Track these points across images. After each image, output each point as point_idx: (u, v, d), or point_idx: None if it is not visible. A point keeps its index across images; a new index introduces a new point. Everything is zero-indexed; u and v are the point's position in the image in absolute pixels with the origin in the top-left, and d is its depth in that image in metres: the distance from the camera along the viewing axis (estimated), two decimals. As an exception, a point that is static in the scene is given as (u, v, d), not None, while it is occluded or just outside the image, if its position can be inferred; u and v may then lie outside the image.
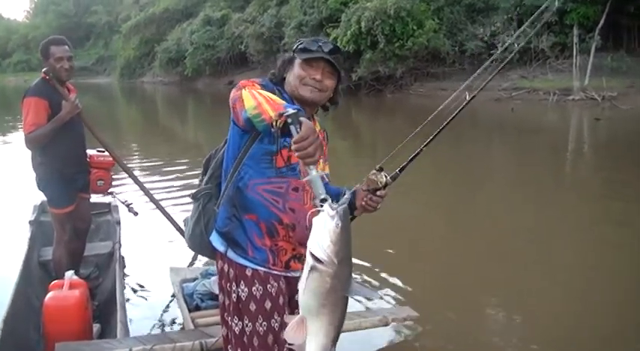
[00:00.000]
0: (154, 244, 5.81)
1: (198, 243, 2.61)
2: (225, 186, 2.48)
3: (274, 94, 2.23)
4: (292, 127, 1.89)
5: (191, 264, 4.88)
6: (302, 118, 1.90)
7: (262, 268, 2.41)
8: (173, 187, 9.17)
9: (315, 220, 1.80)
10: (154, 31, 56.91)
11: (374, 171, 2.53)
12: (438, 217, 7.99)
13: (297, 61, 2.43)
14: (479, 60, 28.68)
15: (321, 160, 2.49)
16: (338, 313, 1.85)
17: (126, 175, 4.82)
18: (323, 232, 1.75)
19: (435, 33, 29.10)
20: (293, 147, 1.85)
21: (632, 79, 23.71)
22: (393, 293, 5.04)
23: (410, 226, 7.27)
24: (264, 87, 2.31)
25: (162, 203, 4.99)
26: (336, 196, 2.52)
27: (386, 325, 3.91)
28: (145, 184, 4.89)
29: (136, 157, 12.96)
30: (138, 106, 35.53)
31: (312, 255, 1.76)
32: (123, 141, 15.54)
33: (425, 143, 2.78)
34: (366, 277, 5.32)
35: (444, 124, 2.87)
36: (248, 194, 2.38)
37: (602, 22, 24.24)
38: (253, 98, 2.08)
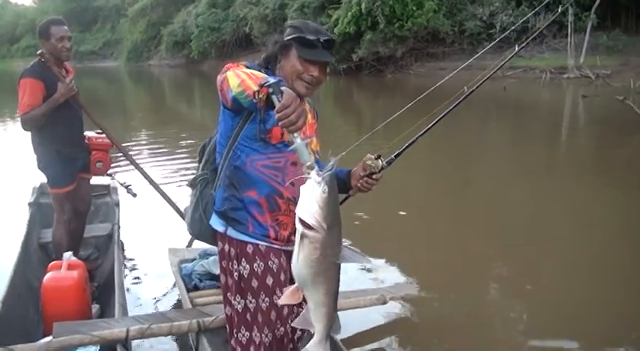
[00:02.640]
0: (153, 226, 5.74)
1: (198, 228, 2.58)
2: (220, 167, 2.45)
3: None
4: (274, 97, 1.86)
5: (190, 245, 4.80)
6: (283, 87, 1.87)
7: (263, 243, 2.39)
8: (175, 168, 9.11)
9: (302, 187, 1.78)
10: (160, 14, 56.74)
11: (371, 156, 2.53)
12: (435, 194, 7.92)
13: (295, 53, 2.34)
14: (478, 40, 28.58)
15: (314, 140, 2.49)
16: (332, 280, 1.84)
17: (122, 157, 4.75)
18: (310, 198, 1.73)
19: (435, 13, 28.96)
20: (276, 116, 1.82)
21: (626, 57, 23.64)
22: (391, 272, 4.98)
23: (407, 204, 7.19)
24: (248, 68, 2.24)
25: (163, 185, 4.93)
26: (336, 175, 2.48)
27: (384, 303, 3.85)
28: (144, 166, 4.81)
29: (141, 139, 12.86)
30: (144, 88, 35.45)
31: (302, 221, 1.74)
32: (129, 122, 15.43)
33: (421, 133, 2.82)
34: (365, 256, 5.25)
35: (441, 116, 2.88)
36: (247, 171, 2.35)
37: (598, 0, 23.94)
38: (237, 77, 2.06)
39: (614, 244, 5.61)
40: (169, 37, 52.40)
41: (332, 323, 1.89)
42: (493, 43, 3.60)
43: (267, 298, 2.37)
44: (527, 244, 5.67)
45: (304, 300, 1.90)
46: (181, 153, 10.50)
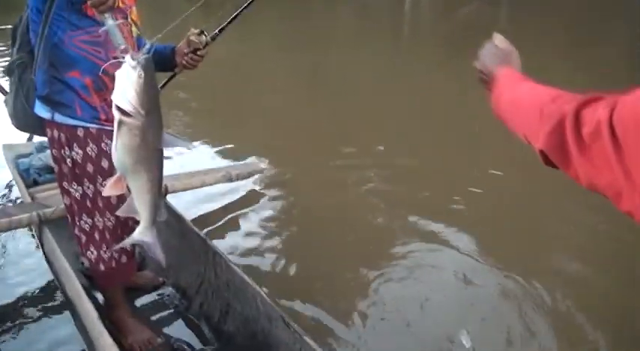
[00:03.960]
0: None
1: (23, 118, 2.41)
2: (37, 46, 2.22)
3: None
4: None
5: (30, 139, 4.51)
6: None
7: (94, 126, 2.26)
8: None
9: (117, 72, 1.66)
10: None
11: (195, 31, 2.46)
12: (284, 76, 7.99)
13: None
14: None
15: (134, 9, 2.36)
16: (155, 166, 1.79)
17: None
18: (126, 83, 1.63)
19: None
20: None
21: None
22: (240, 153, 5.04)
23: (257, 86, 7.23)
24: None
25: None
26: (157, 53, 2.37)
27: (230, 180, 3.90)
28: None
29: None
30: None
31: (118, 108, 1.65)
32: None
33: (244, 6, 2.75)
34: (212, 139, 5.30)
35: None
36: (66, 49, 2.16)
37: None
38: None
39: (451, 107, 6.07)
40: None
41: (157, 210, 1.87)
42: None
43: (104, 182, 2.22)
44: (375, 117, 5.94)
45: (128, 189, 1.84)
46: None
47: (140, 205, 1.82)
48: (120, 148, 1.70)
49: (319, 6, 13.32)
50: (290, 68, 8.54)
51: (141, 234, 1.88)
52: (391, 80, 7.48)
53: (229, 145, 5.23)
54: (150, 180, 1.79)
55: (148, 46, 1.76)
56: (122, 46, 1.73)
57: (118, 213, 1.94)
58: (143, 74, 1.63)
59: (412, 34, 10.62)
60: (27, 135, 4.46)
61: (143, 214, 1.84)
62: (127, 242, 1.98)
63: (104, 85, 2.23)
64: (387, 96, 6.79)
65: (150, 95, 1.67)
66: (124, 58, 1.66)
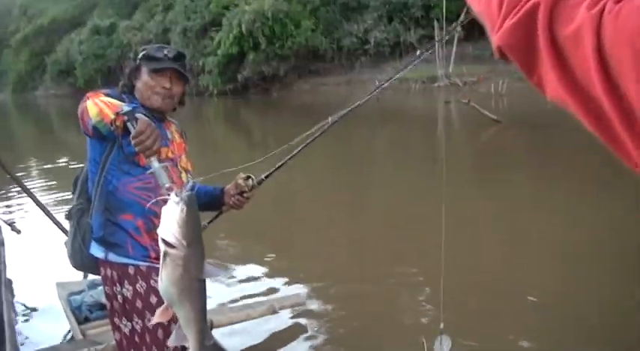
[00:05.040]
0: (41, 262, 5.46)
1: (80, 258, 2.51)
2: (94, 194, 2.41)
3: (120, 100, 2.19)
4: (129, 124, 1.92)
5: (85, 277, 4.63)
6: (138, 114, 1.94)
7: (144, 263, 2.36)
8: (67, 199, 8.76)
9: (163, 208, 1.80)
10: (43, 43, 54.71)
11: (242, 176, 2.61)
12: (324, 202, 8.09)
13: (145, 70, 2.40)
14: (355, 55, 29.48)
15: (184, 158, 2.54)
16: (198, 295, 1.86)
17: (4, 194, 4.55)
18: (171, 217, 1.75)
19: (313, 32, 29.65)
20: (132, 142, 1.88)
21: (492, 66, 24.99)
22: (282, 282, 5.03)
23: (296, 214, 7.34)
24: (109, 95, 2.23)
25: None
26: (208, 193, 2.60)
27: (274, 313, 3.91)
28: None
29: (30, 171, 12.33)
30: (31, 121, 33.87)
31: (163, 240, 1.75)
32: (16, 157, 14.71)
33: (289, 156, 2.84)
34: (257, 266, 5.35)
35: (309, 140, 2.85)
36: (119, 196, 2.33)
37: (462, 15, 25.15)
38: (95, 106, 2.07)
39: (484, 222, 6.09)
40: (53, 67, 50.62)
41: (204, 335, 1.91)
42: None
43: (152, 317, 2.36)
44: (417, 245, 5.84)
45: (175, 317, 1.91)
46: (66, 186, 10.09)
47: (188, 331, 1.87)
48: (165, 278, 1.78)
49: (361, 130, 13.82)
50: (333, 189, 8.73)
51: None
52: (426, 198, 7.51)
53: (273, 268, 5.26)
54: (194, 308, 1.85)
55: (190, 184, 1.90)
56: (167, 185, 1.86)
57: (170, 343, 1.99)
58: (186, 209, 1.74)
59: (445, 155, 10.88)
60: (79, 273, 4.61)
61: (191, 340, 1.89)
62: None
63: (154, 226, 2.29)
64: (425, 213, 6.81)
65: (192, 228, 1.77)
66: (169, 195, 1.79)
